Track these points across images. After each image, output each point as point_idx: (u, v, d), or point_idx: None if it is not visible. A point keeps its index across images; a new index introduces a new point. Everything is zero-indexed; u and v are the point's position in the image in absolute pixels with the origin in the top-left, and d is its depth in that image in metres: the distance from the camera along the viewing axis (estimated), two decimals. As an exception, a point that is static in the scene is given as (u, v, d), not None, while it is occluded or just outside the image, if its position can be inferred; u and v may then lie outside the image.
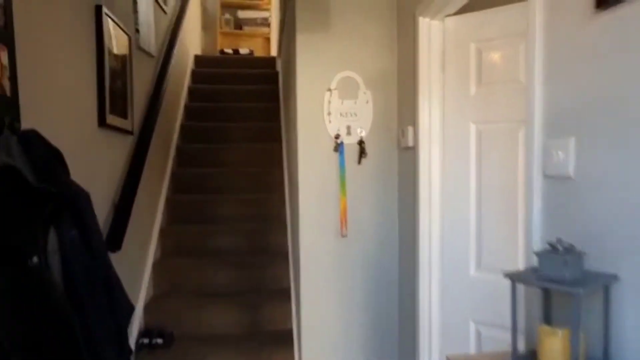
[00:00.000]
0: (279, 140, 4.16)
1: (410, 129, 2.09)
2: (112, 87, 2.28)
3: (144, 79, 2.97)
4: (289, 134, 3.54)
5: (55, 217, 1.24)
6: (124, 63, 2.50)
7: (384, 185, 2.35)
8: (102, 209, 2.17)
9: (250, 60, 5.45)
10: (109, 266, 1.46)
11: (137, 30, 2.83)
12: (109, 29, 2.25)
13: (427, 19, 1.96)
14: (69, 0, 1.84)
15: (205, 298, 2.94)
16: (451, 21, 1.93)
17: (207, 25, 6.02)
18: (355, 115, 2.31)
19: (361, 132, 2.32)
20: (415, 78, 2.02)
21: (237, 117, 4.44)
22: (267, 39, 6.24)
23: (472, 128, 1.88)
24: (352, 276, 2.35)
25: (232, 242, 3.33)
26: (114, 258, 2.25)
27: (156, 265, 3.01)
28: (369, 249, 2.36)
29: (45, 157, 1.29)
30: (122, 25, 2.45)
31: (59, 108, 1.77)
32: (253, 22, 6.08)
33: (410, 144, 2.09)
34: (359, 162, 2.32)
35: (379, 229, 2.36)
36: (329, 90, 2.29)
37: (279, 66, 5.08)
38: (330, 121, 2.29)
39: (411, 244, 2.14)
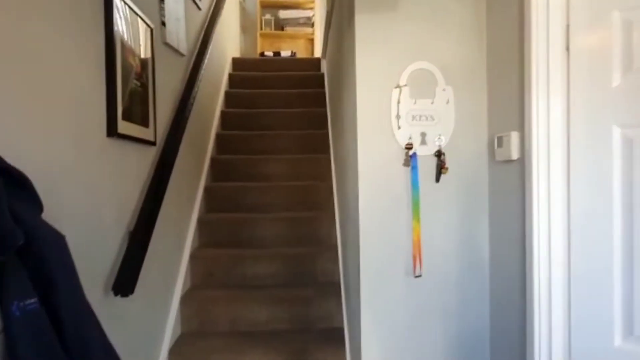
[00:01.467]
0: (326, 150, 3.66)
1: (514, 136, 1.53)
2: (126, 88, 1.85)
3: (171, 81, 2.55)
4: (337, 144, 3.04)
5: (-5, 282, 0.77)
6: (144, 60, 2.07)
7: (471, 210, 1.80)
8: (113, 239, 1.72)
9: (292, 62, 5.01)
10: (91, 338, 0.98)
11: (163, 23, 2.41)
12: (123, 16, 1.82)
13: (542, -18, 1.40)
14: (64, -27, 1.42)
15: (241, 339, 2.45)
16: (580, -17, 1.37)
17: (247, 27, 5.63)
18: (432, 118, 1.77)
19: (440, 141, 1.77)
20: (524, 66, 1.46)
21: (279, 125, 3.98)
22: (311, 40, 5.79)
23: (616, 133, 1.30)
24: (429, 330, 1.80)
25: (273, 270, 2.84)
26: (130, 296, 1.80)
27: (184, 299, 2.56)
28: (450, 297, 1.80)
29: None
30: (141, 14, 2.02)
31: (50, 116, 1.33)
32: (295, 22, 5.65)
33: (515, 155, 1.53)
34: (437, 179, 1.78)
35: (465, 270, 1.80)
36: (398, 87, 1.76)
37: (324, 68, 4.61)
38: (399, 127, 1.76)
39: (515, 295, 1.57)
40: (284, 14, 5.65)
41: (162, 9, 2.40)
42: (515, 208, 1.57)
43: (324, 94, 4.27)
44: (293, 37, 5.75)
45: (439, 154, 1.77)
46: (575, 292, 1.38)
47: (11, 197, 0.84)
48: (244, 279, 2.80)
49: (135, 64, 1.95)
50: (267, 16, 5.67)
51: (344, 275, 2.64)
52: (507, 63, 1.61)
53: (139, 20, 2.00)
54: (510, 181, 1.60)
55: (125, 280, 1.65)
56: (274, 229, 3.09)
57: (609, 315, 1.31)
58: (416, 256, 1.77)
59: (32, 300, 0.82)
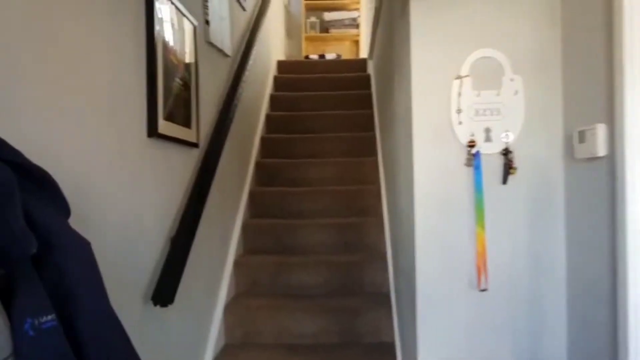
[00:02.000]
0: (373, 153, 3.50)
1: (601, 129, 1.31)
2: (168, 87, 1.77)
3: (215, 82, 2.47)
4: (386, 146, 2.87)
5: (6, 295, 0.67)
6: (187, 59, 1.99)
7: (544, 215, 1.58)
8: (153, 245, 1.64)
9: (338, 64, 4.88)
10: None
11: (207, 22, 2.34)
12: (165, 12, 1.74)
13: (637, -53, 1.19)
14: (101, -36, 1.34)
15: (286, 352, 2.32)
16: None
17: (292, 30, 5.57)
18: (499, 112, 1.58)
19: (507, 137, 1.57)
20: (613, 46, 1.25)
21: (324, 128, 3.85)
22: (356, 42, 5.65)
23: None
24: (495, 349, 1.59)
25: (319, 279, 2.70)
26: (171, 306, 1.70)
27: (228, 308, 2.46)
28: (520, 313, 1.59)
29: (7, 185, 0.73)
30: (184, 10, 1.95)
31: (87, 115, 1.25)
32: (340, 23, 5.52)
33: (601, 151, 1.31)
34: (505, 180, 1.58)
35: (537, 283, 1.58)
36: (459, 78, 1.58)
37: (370, 68, 4.46)
38: (460, 122, 1.58)
39: (601, 312, 1.35)
40: (328, 16, 5.54)
41: (205, 7, 2.33)
42: (601, 211, 1.34)
43: (370, 95, 4.11)
44: (338, 39, 5.63)
45: (506, 152, 1.57)
46: (684, 314, 1.15)
47: (29, 198, 0.74)
48: (289, 288, 2.67)
49: (177, 62, 1.87)
50: (312, 19, 5.59)
51: (395, 286, 2.46)
52: (589, 44, 1.40)
53: (182, 17, 1.93)
54: (594, 181, 1.38)
55: (164, 290, 1.55)
56: (320, 236, 2.95)
57: None
58: (481, 267, 1.57)
59: (49, 317, 0.71)
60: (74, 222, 1.17)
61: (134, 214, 1.52)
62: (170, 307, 1.63)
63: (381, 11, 2.99)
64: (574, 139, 1.45)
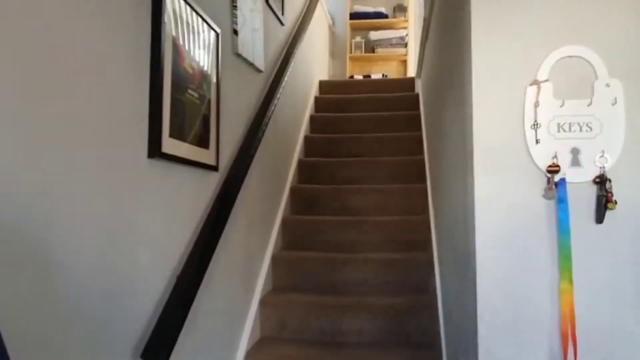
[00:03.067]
0: (421, 179, 3.12)
1: None
2: (179, 100, 1.51)
3: (243, 98, 2.22)
4: (436, 171, 2.50)
5: None
6: (206, 70, 1.74)
7: (658, 266, 1.17)
8: (151, 288, 1.36)
9: (383, 83, 4.59)
10: None
11: (235, 32, 2.10)
12: (176, 11, 1.50)
13: None
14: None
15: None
16: None
17: (336, 51, 5.34)
18: (590, 128, 1.20)
19: (603, 161, 1.19)
20: None
21: (368, 151, 3.53)
22: (403, 62, 5.34)
23: None
24: None
25: (357, 325, 2.32)
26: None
27: (250, 356, 2.13)
28: (630, 399, 1.17)
29: None
30: (203, 14, 1.71)
31: (67, 130, 1.00)
32: (387, 42, 5.24)
33: None
34: (600, 219, 1.19)
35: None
36: (536, 83, 1.22)
37: (418, 88, 4.12)
38: (538, 140, 1.21)
39: None
40: (375, 35, 5.28)
41: (234, 16, 2.10)
42: None
43: (418, 116, 3.76)
44: (384, 59, 5.35)
45: (601, 180, 1.19)
46: None
47: None
48: (322, 334, 2.31)
49: (193, 72, 1.62)
50: (357, 39, 5.34)
51: (446, 339, 2.05)
52: None
53: (200, 20, 1.69)
54: None
55: (158, 345, 1.25)
56: (359, 273, 2.59)
57: None
58: (567, 335, 1.17)
59: None
60: (31, 270, 0.91)
61: (126, 250, 1.24)
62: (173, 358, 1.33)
63: (431, 21, 2.67)
64: None
